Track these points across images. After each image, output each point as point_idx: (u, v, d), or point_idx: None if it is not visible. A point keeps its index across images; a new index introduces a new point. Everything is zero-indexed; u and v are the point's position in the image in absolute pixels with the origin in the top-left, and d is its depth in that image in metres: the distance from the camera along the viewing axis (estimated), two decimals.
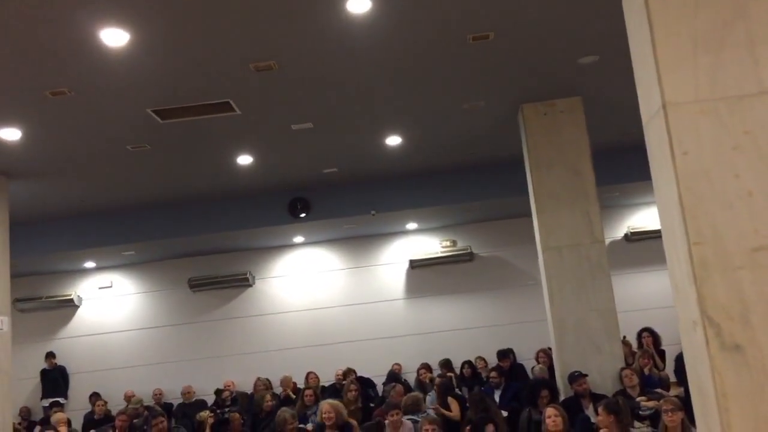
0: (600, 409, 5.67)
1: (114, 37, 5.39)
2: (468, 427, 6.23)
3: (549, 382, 7.54)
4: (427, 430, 5.83)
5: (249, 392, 11.13)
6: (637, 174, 9.89)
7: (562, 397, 7.15)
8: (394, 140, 8.80)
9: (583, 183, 7.67)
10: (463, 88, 7.34)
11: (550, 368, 8.81)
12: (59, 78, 6.06)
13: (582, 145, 7.73)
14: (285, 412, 7.23)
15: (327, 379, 11.04)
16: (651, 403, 6.73)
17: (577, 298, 7.45)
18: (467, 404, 8.00)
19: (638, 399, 6.68)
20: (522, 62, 6.80)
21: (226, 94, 6.83)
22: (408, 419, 7.09)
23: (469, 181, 10.29)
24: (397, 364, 11.39)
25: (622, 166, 9.46)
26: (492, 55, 6.54)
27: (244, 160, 8.91)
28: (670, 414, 5.41)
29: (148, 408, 8.87)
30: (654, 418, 6.45)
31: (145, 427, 7.87)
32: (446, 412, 7.59)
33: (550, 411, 5.67)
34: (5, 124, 6.90)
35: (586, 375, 7.02)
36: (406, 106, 7.73)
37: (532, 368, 9.64)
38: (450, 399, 7.98)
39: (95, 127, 7.30)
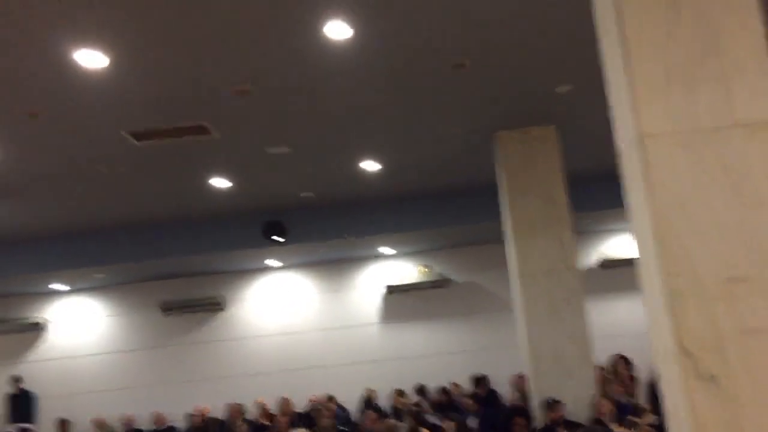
0: None
1: (89, 58, 5.36)
2: None
3: (523, 409, 7.52)
4: None
5: (220, 418, 10.98)
6: (611, 201, 10.02)
7: (536, 425, 7.13)
8: (370, 165, 8.81)
9: (558, 210, 7.72)
10: (440, 115, 7.38)
11: (525, 394, 8.80)
12: (35, 99, 6.00)
13: (556, 172, 7.79)
14: None
15: (301, 404, 10.90)
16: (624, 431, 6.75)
17: (552, 324, 7.47)
18: None
19: (612, 426, 6.67)
20: (498, 90, 6.87)
21: (202, 117, 6.80)
22: None
23: (444, 207, 10.32)
24: (369, 389, 11.28)
25: (597, 192, 9.54)
26: (468, 83, 6.59)
27: (220, 182, 8.86)
28: None
29: None
30: None
31: None
32: None
33: None
34: None
35: (560, 402, 7.01)
36: (383, 132, 7.75)
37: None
38: (422, 429, 7.90)
39: (70, 148, 7.23)
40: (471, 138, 8.07)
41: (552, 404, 7.00)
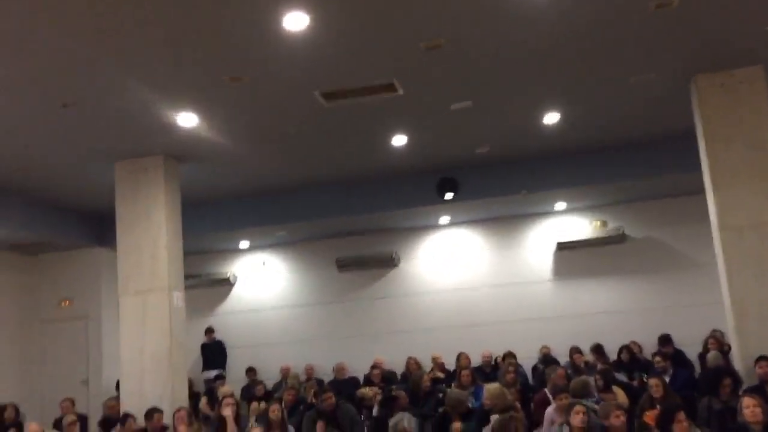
0: None
1: (295, 20, 5.49)
2: (651, 413, 5.99)
3: (730, 369, 7.11)
4: (618, 416, 5.62)
5: (396, 371, 11.28)
6: None
7: (744, 386, 6.72)
8: (551, 118, 8.55)
9: (765, 158, 7.15)
10: (633, 60, 7.01)
11: (723, 355, 8.35)
12: (238, 63, 6.26)
13: (764, 116, 7.21)
14: (456, 393, 7.21)
15: (474, 360, 10.95)
16: None
17: (759, 281, 6.98)
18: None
19: None
20: (702, 30, 6.40)
21: (391, 75, 6.85)
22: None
23: (628, 158, 9.84)
24: (545, 346, 11.16)
25: None
26: (671, 23, 6.19)
27: (399, 140, 8.94)
28: None
29: (318, 383, 9.13)
30: None
31: (313, 401, 8.09)
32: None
33: (748, 401, 5.33)
34: (183, 109, 7.23)
35: None
36: (570, 81, 7.47)
37: (701, 354, 9.15)
38: (615, 387, 7.69)
39: (263, 111, 7.53)
40: (666, 83, 7.60)
41: (760, 360, 6.58)
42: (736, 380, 6.75)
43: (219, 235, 11.55)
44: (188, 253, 9.67)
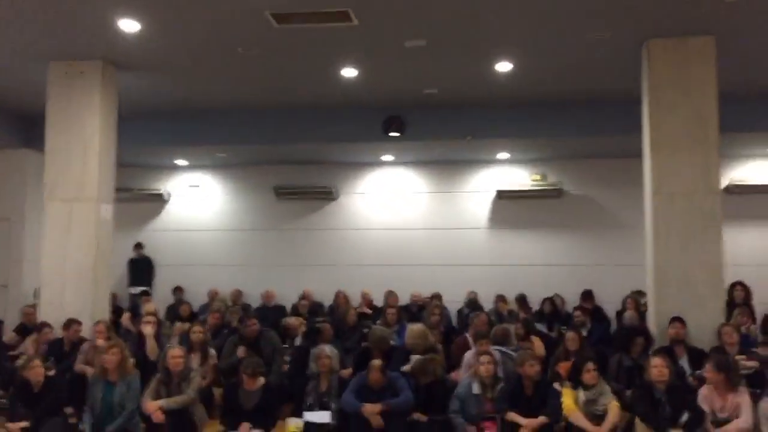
0: (709, 366, 5.53)
1: None
2: (565, 364, 6.20)
3: (644, 329, 7.38)
4: (532, 365, 5.79)
5: (324, 303, 11.35)
6: (756, 124, 9.50)
7: (655, 347, 7.00)
8: (504, 66, 8.48)
9: (706, 128, 7.29)
10: (590, 18, 6.98)
11: (640, 316, 8.65)
12: None
13: (709, 88, 7.31)
14: (380, 330, 7.29)
15: (403, 300, 11.09)
16: (751, 363, 6.54)
17: (684, 248, 7.20)
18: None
19: (737, 358, 6.46)
20: None
21: (346, 3, 6.64)
22: (496, 350, 7.07)
23: (573, 115, 9.92)
24: (472, 291, 11.36)
25: (742, 114, 8.96)
26: None
27: (349, 72, 8.75)
28: None
29: (243, 308, 9.09)
30: (752, 379, 6.28)
31: (237, 326, 8.07)
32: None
33: (656, 360, 5.55)
34: (126, 15, 6.88)
35: (681, 320, 6.87)
36: (527, 31, 7.39)
37: (619, 312, 9.47)
38: (533, 337, 7.91)
39: (212, 26, 7.23)
40: (620, 44, 7.61)
41: (673, 321, 6.86)
42: (648, 340, 7.02)
43: (155, 149, 11.24)
44: (121, 165, 9.39)
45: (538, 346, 7.64)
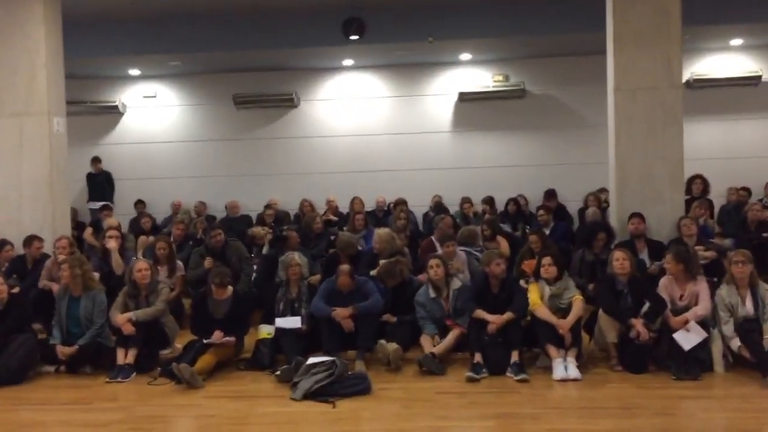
0: (668, 257, 5.67)
1: None
2: (529, 263, 6.31)
3: (606, 225, 7.51)
4: (498, 264, 5.87)
5: (289, 212, 11.31)
6: (718, 17, 9.43)
7: (616, 241, 7.14)
8: None
9: (669, 23, 7.23)
10: None
11: (602, 212, 8.80)
12: None
13: None
14: (347, 236, 7.29)
15: (368, 206, 11.10)
16: (708, 254, 6.74)
17: (645, 143, 7.26)
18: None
19: (696, 248, 6.63)
20: None
21: None
22: (462, 250, 7.16)
23: (535, 13, 9.76)
24: (437, 195, 11.40)
25: (704, 6, 8.88)
26: None
27: None
28: (740, 266, 5.40)
29: (208, 220, 9.00)
30: (709, 268, 6.47)
31: (202, 237, 8.02)
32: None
33: (618, 254, 5.66)
34: None
35: (640, 215, 7.00)
36: None
37: (581, 210, 9.62)
38: (499, 237, 8.01)
39: None
40: None
41: (632, 217, 6.98)
42: (610, 235, 7.16)
43: (107, 59, 10.81)
44: (72, 77, 9.03)
45: (503, 245, 7.77)
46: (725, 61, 11.32)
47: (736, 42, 10.94)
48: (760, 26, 9.85)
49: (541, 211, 9.09)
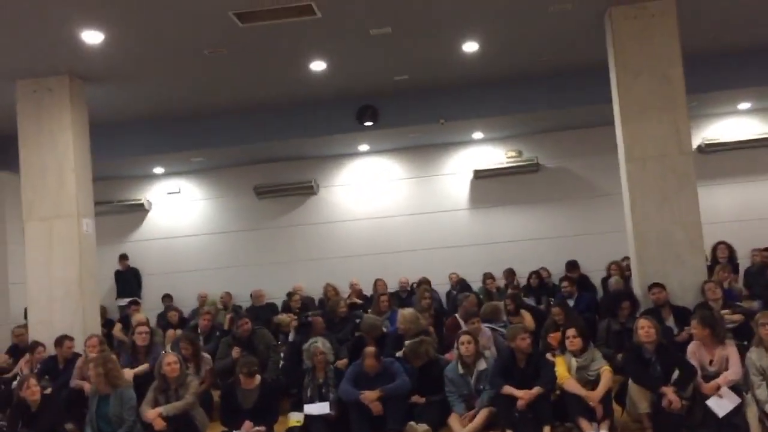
0: (694, 322, 5.64)
1: None
2: (555, 335, 6.30)
3: (630, 293, 7.50)
4: (523, 338, 5.87)
5: (314, 297, 11.39)
6: (722, 83, 9.62)
7: (641, 309, 7.11)
8: (471, 46, 8.55)
9: (673, 91, 7.40)
10: None
11: (625, 280, 8.78)
12: None
13: (673, 51, 7.41)
14: (372, 318, 7.35)
15: (391, 287, 11.16)
16: (736, 317, 6.68)
17: (661, 210, 7.32)
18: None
19: (722, 312, 6.59)
20: None
21: None
22: (486, 327, 7.16)
23: (543, 89, 10.01)
24: (454, 273, 11.41)
25: (709, 73, 9.10)
26: None
27: (317, 66, 8.77)
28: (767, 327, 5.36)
29: (234, 310, 9.09)
30: (738, 332, 6.42)
31: (230, 328, 8.09)
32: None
33: (642, 322, 5.64)
34: (88, 27, 6.85)
35: (661, 285, 6.98)
36: (490, 9, 7.45)
37: (605, 279, 9.60)
38: (523, 311, 8.00)
39: (176, 30, 7.22)
40: (582, 14, 7.69)
41: (652, 287, 6.97)
42: (634, 303, 7.13)
43: (131, 159, 11.18)
44: (99, 178, 9.36)
45: (528, 319, 7.75)
46: (735, 125, 11.46)
47: (744, 106, 11.10)
48: (766, 89, 10.02)
49: (565, 283, 9.07)
